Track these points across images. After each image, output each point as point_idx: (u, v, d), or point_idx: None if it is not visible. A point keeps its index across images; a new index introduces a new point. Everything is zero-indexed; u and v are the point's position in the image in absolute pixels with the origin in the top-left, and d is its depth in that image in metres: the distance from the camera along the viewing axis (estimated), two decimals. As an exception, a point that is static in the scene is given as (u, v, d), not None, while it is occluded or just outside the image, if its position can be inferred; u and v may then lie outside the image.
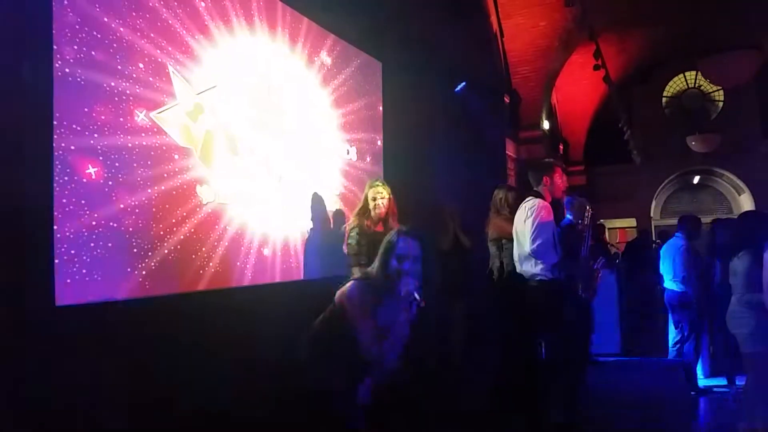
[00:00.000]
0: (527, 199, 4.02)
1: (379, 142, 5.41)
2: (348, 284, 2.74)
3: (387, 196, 3.98)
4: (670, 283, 6.35)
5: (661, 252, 6.76)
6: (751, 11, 10.72)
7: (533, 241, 3.83)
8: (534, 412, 4.17)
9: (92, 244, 2.84)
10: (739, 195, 16.27)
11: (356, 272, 3.84)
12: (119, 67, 3.03)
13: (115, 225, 2.96)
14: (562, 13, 9.92)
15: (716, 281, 5.31)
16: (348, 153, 4.95)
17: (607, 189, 16.43)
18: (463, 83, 5.97)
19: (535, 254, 3.84)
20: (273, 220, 4.10)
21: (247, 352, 3.67)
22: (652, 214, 16.62)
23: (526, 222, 3.89)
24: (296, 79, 4.43)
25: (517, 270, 4.05)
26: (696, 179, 16.77)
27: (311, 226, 4.43)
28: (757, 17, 10.97)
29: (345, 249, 3.98)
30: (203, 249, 3.52)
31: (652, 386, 5.66)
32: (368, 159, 5.22)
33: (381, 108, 5.45)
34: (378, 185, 3.97)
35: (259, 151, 4.01)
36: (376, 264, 2.72)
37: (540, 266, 3.87)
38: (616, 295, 7.42)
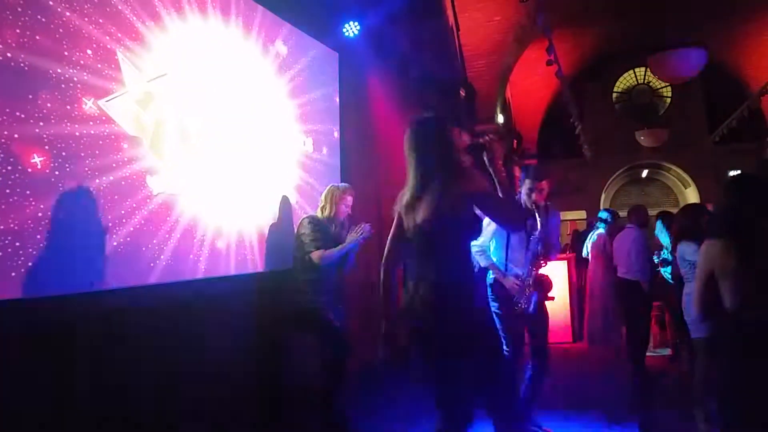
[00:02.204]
0: None
1: (336, 134, 5.37)
2: None
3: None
4: (624, 273, 6.51)
5: (615, 243, 6.93)
6: (698, 10, 11.08)
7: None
8: None
9: (38, 236, 2.74)
10: (686, 188, 16.86)
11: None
12: (66, 53, 2.92)
13: (61, 216, 2.86)
14: (516, 8, 10.04)
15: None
16: (304, 144, 4.90)
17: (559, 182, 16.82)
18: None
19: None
20: (227, 211, 4.03)
21: (199, 345, 3.62)
22: (601, 207, 17.03)
23: None
24: (250, 68, 4.36)
25: None
26: (644, 173, 17.29)
27: (266, 217, 4.38)
28: (702, 16, 11.34)
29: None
30: (154, 241, 3.43)
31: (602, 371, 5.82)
32: (325, 150, 5.18)
33: (338, 99, 5.41)
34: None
35: (211, 142, 3.93)
36: None
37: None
38: (566, 285, 7.59)
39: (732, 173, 15.10)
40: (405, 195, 2.57)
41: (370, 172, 5.33)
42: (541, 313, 3.93)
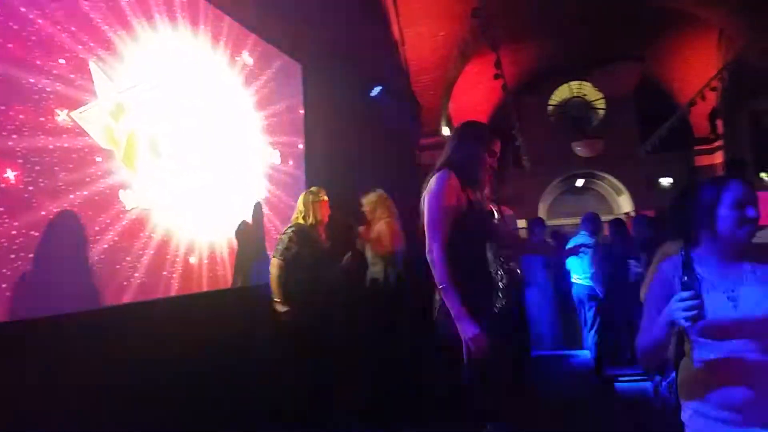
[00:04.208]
0: None
1: (301, 146, 5.30)
2: None
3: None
4: (578, 279, 6.69)
5: (567, 250, 7.10)
6: (630, 27, 11.60)
7: None
8: None
9: (12, 256, 2.58)
10: (619, 196, 17.51)
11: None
12: (38, 62, 2.78)
13: (36, 234, 2.71)
14: (460, 24, 10.24)
15: (633, 277, 5.62)
16: (271, 156, 4.81)
17: (499, 192, 17.14)
18: (380, 87, 5.95)
19: None
20: (199, 226, 3.90)
21: (175, 365, 3.48)
22: (539, 215, 17.46)
23: None
24: (219, 78, 4.26)
25: None
26: (580, 182, 17.85)
27: (237, 231, 4.27)
28: (635, 32, 11.88)
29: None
30: (128, 258, 3.29)
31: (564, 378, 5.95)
32: (291, 163, 5.10)
33: (302, 111, 5.35)
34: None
35: (182, 154, 3.81)
36: None
37: None
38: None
39: (663, 180, 15.87)
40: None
41: (333, 184, 5.27)
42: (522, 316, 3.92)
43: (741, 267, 1.66)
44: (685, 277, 1.55)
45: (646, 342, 1.71)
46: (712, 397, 1.65)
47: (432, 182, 2.48)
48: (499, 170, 2.74)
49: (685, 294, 1.52)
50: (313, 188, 4.22)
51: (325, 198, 4.14)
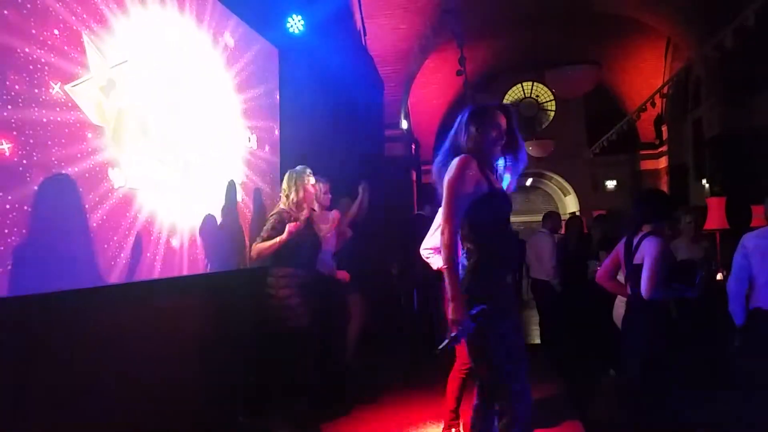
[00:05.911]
0: None
1: (277, 131, 5.26)
2: None
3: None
4: (537, 274, 6.89)
5: (528, 246, 7.32)
6: (583, 31, 11.96)
7: None
8: None
9: (6, 231, 2.49)
10: (565, 196, 18.06)
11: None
12: (33, 31, 2.68)
13: (29, 209, 2.62)
14: (421, 18, 10.34)
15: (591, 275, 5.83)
16: (249, 141, 4.76)
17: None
18: None
19: None
20: (180, 208, 3.83)
21: (157, 350, 3.44)
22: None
23: None
24: (203, 58, 4.18)
25: None
26: (529, 181, 18.32)
27: (216, 216, 4.22)
28: (587, 37, 12.26)
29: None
30: (115, 238, 3.21)
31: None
32: (267, 148, 5.06)
33: (278, 96, 5.30)
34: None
35: (167, 134, 3.73)
36: None
37: None
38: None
39: (608, 183, 16.43)
40: None
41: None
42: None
43: None
44: None
45: None
46: None
47: (452, 167, 2.54)
48: (512, 142, 2.77)
49: None
50: (298, 167, 4.18)
51: (310, 180, 4.11)
